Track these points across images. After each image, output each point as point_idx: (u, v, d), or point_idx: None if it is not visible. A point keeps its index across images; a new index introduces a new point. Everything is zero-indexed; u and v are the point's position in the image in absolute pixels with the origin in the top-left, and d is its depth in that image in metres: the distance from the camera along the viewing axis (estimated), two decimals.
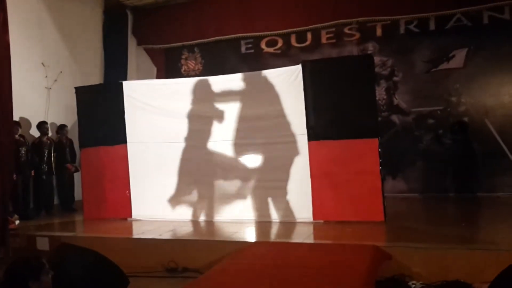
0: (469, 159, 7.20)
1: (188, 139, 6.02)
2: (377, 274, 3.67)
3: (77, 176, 7.22)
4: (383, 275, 3.78)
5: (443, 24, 7.63)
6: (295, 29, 8.45)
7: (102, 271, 3.55)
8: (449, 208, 6.69)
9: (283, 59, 8.38)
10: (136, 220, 6.12)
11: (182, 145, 6.03)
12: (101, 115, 6.38)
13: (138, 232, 5.48)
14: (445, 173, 7.42)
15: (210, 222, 5.80)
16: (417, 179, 7.61)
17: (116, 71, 8.82)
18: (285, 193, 5.57)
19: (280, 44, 8.70)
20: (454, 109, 7.54)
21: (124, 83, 6.43)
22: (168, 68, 9.50)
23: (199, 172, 6.00)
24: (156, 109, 6.13)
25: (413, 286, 3.64)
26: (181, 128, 6.03)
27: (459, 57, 7.54)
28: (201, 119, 5.99)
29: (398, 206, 6.47)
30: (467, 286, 3.49)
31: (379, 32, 8.06)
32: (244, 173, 5.78)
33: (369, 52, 7.87)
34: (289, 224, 5.38)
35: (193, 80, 6.33)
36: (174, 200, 6.02)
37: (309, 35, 8.47)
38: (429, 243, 4.07)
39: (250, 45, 8.92)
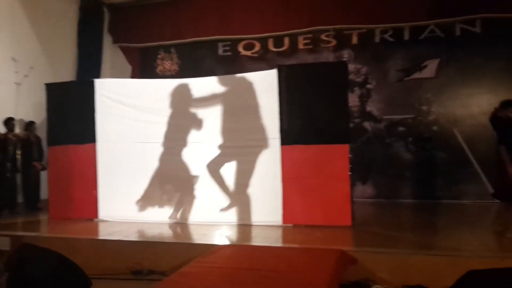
0: (436, 167, 7.38)
1: (160, 140, 5.95)
2: (341, 278, 3.70)
3: (43, 175, 7.03)
4: (348, 279, 3.82)
5: (417, 35, 7.82)
6: (272, 33, 8.49)
7: (63, 273, 3.46)
8: (415, 214, 6.83)
9: (260, 62, 8.41)
10: (104, 221, 5.99)
11: (153, 145, 5.95)
12: (71, 113, 6.24)
13: (105, 233, 5.37)
14: (413, 180, 7.59)
15: (179, 224, 5.73)
16: (386, 185, 7.75)
17: (89, 68, 8.65)
18: (256, 196, 5.56)
19: (257, 48, 8.72)
20: (424, 117, 7.73)
21: (96, 81, 6.31)
22: (143, 67, 9.38)
23: (170, 173, 5.94)
24: (129, 109, 6.03)
25: None
26: (154, 128, 5.95)
27: (431, 67, 7.73)
28: (175, 120, 5.93)
29: (366, 211, 6.58)
30: None
31: (355, 40, 8.19)
32: (216, 175, 5.75)
33: (344, 59, 7.97)
34: (258, 227, 5.37)
35: (168, 81, 6.28)
36: (143, 201, 5.93)
37: (286, 40, 8.53)
38: (393, 248, 4.13)
39: (227, 48, 8.90)
